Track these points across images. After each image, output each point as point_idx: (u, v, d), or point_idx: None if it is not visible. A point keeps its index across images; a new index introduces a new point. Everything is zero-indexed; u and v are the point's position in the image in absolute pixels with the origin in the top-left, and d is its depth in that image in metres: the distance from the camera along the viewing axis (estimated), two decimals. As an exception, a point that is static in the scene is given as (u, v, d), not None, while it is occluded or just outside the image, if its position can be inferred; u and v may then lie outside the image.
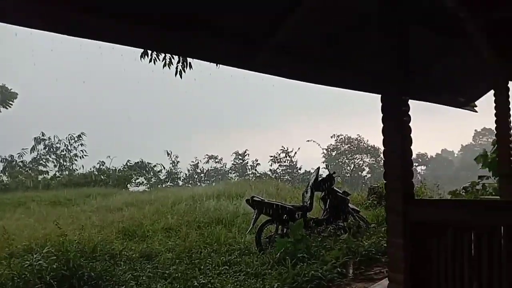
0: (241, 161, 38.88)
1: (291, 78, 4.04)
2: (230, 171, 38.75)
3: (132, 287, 4.84)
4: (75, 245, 6.18)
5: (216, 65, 7.03)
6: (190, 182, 34.69)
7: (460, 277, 3.55)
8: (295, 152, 34.91)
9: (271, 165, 36.38)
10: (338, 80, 4.69)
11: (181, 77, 8.42)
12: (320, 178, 8.21)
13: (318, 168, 8.64)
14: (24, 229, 9.42)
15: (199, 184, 33.57)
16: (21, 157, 27.16)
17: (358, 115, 54.53)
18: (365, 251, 6.29)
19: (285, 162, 36.31)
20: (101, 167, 26.86)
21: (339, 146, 37.78)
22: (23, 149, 27.35)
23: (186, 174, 35.40)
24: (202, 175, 36.55)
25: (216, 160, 38.60)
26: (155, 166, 30.38)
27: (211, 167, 37.57)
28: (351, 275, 5.62)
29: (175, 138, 51.50)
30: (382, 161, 3.96)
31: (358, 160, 37.05)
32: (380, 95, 3.66)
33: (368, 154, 36.33)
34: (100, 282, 4.96)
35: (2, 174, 25.62)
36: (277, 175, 35.21)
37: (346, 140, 37.56)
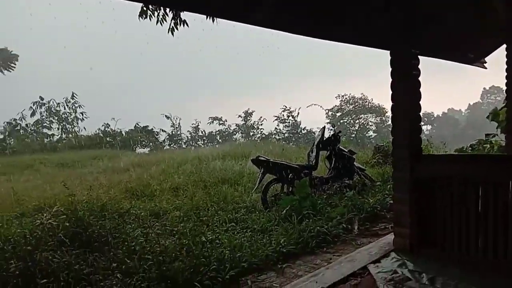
0: (244, 122, 38.64)
1: (291, 32, 3.89)
2: (234, 132, 38.72)
3: (142, 243, 4.93)
4: (84, 205, 6.27)
5: (212, 20, 6.89)
6: (193, 144, 34.81)
7: (466, 231, 3.58)
8: (298, 113, 34.74)
9: (277, 125, 36.30)
10: (342, 35, 4.53)
11: (172, 34, 8.22)
12: (325, 137, 8.19)
13: (324, 127, 8.59)
14: (33, 190, 9.58)
15: (202, 146, 33.70)
16: (23, 120, 27.32)
17: (363, 75, 53.77)
18: (370, 207, 6.36)
19: (288, 122, 36.21)
20: (106, 129, 26.98)
21: (344, 107, 37.46)
22: (22, 112, 27.47)
23: (188, 137, 35.49)
24: (204, 137, 36.61)
25: (220, 122, 38.46)
26: (152, 129, 30.48)
27: (214, 130, 37.51)
28: (356, 231, 5.71)
29: (175, 102, 51.22)
30: (389, 119, 3.90)
31: (363, 120, 36.85)
32: (386, 52, 3.56)
33: (374, 114, 36.09)
34: (110, 239, 5.05)
35: (8, 137, 25.83)
36: (282, 136, 35.26)
37: (351, 100, 37.16)
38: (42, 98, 28.37)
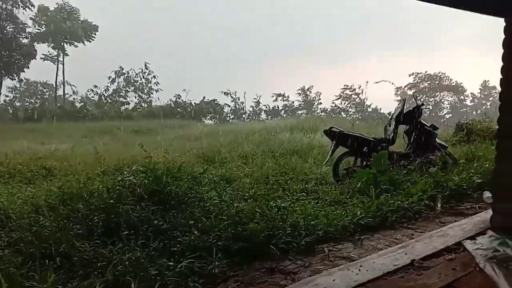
0: (305, 97, 38.12)
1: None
2: (300, 108, 38.39)
3: (216, 204, 4.98)
4: (160, 165, 6.45)
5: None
6: (256, 118, 34.98)
7: None
8: (362, 90, 33.68)
9: (340, 103, 35.50)
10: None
11: None
12: (406, 110, 7.66)
13: (404, 99, 8.04)
14: (112, 152, 10.12)
15: (266, 120, 33.76)
16: (108, 88, 29.18)
17: (442, 50, 49.90)
18: (455, 186, 5.87)
19: (354, 99, 35.27)
20: (177, 100, 27.97)
21: (418, 84, 35.32)
22: (110, 79, 29.31)
23: (250, 111, 35.66)
24: (267, 112, 36.63)
25: (284, 98, 38.24)
26: (218, 102, 30.92)
27: (277, 105, 37.39)
28: (440, 209, 5.31)
29: (239, 74, 51.09)
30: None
31: (439, 98, 34.57)
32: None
33: (451, 92, 33.65)
34: (186, 198, 5.15)
35: (88, 104, 27.73)
36: (345, 112, 34.47)
37: (426, 77, 34.91)
38: (122, 68, 30.01)
